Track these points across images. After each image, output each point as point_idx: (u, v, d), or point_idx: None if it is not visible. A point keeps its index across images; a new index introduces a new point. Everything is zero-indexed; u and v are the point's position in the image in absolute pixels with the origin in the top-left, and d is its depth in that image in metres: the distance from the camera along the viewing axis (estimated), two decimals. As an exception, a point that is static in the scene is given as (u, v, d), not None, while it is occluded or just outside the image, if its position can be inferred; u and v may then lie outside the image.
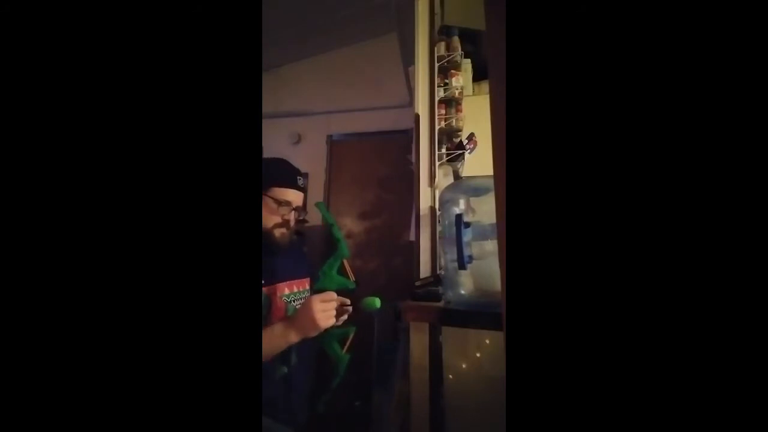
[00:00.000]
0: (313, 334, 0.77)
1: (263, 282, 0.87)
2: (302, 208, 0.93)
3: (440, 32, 1.40)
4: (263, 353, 0.76)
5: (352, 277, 0.84)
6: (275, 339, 0.77)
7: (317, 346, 0.86)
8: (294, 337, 0.77)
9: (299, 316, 0.78)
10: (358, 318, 0.85)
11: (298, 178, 0.93)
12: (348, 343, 0.84)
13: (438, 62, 1.34)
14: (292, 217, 0.91)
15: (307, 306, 0.76)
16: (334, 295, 0.78)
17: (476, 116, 1.31)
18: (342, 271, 0.85)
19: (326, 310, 0.76)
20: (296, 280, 0.96)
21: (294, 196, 0.90)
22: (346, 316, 0.84)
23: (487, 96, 0.49)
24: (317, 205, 0.93)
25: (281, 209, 0.88)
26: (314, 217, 1.06)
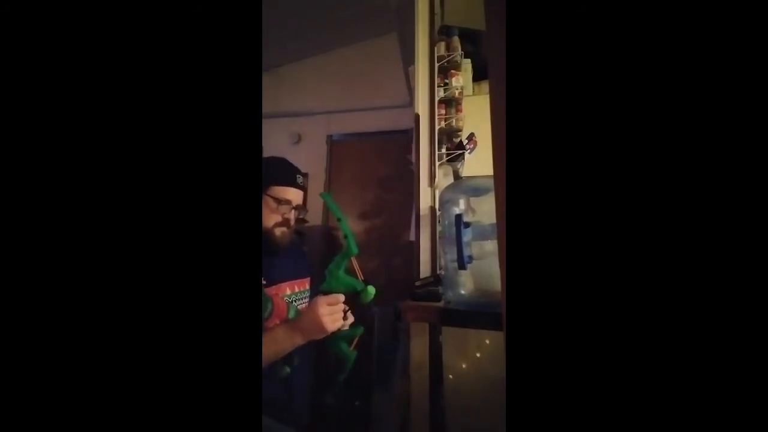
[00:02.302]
0: (320, 337, 0.76)
1: (265, 282, 0.86)
2: (302, 207, 0.93)
3: (440, 32, 1.40)
4: (268, 355, 0.75)
5: (360, 277, 0.81)
6: (280, 341, 0.77)
7: (320, 346, 0.85)
8: (300, 340, 0.76)
9: (305, 318, 0.77)
10: (358, 318, 0.85)
11: (298, 176, 0.92)
12: (355, 343, 0.82)
13: (438, 62, 1.34)
14: (292, 215, 0.90)
15: (313, 309, 0.75)
16: (341, 297, 0.76)
17: (476, 116, 1.31)
18: (350, 271, 0.82)
19: (333, 313, 0.75)
20: (297, 280, 0.96)
21: (294, 195, 0.90)
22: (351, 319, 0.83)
23: (487, 96, 0.49)
24: (323, 196, 0.89)
25: (281, 208, 0.87)
26: (314, 217, 1.04)
